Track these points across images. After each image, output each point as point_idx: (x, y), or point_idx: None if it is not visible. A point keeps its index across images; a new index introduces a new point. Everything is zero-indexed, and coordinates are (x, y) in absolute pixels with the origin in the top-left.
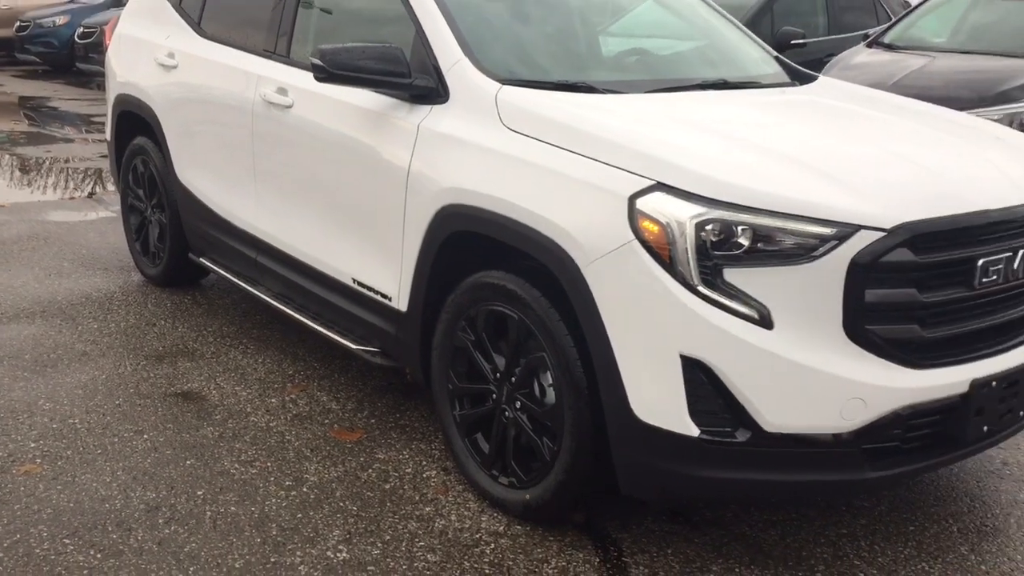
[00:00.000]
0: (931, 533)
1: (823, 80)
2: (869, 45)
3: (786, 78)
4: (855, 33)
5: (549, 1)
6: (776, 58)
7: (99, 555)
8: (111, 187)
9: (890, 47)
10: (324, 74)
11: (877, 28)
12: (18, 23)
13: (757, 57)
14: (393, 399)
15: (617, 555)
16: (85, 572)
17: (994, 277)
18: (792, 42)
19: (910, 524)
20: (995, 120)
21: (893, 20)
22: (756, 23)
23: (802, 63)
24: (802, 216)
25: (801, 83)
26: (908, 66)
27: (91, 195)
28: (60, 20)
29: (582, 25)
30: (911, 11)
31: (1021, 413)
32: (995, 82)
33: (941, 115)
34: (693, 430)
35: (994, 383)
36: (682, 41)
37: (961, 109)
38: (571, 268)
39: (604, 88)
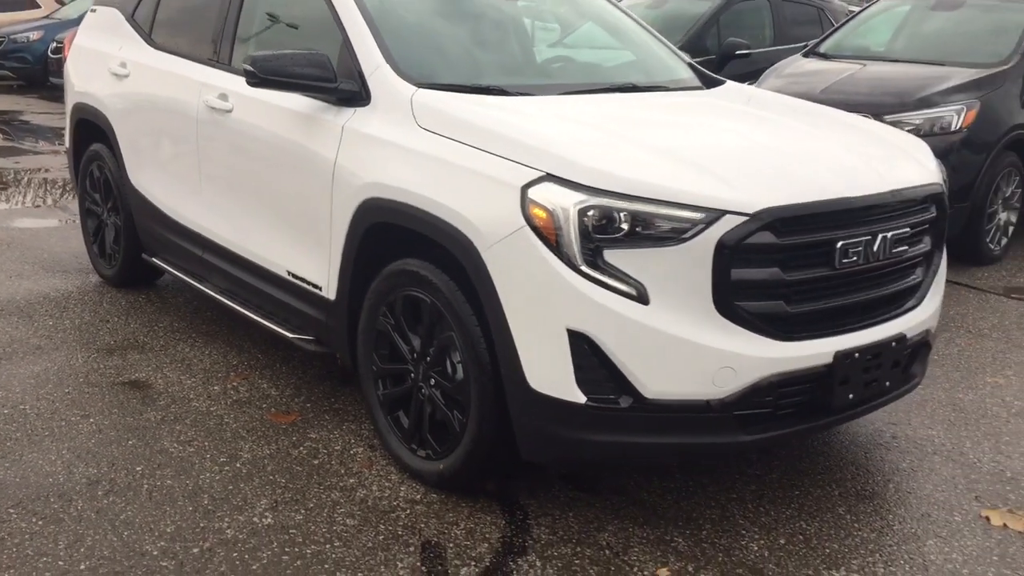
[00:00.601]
0: (813, 497)
1: (729, 85)
2: (806, 55)
3: (696, 83)
4: (799, 44)
5: (470, 11)
6: (690, 65)
7: (40, 522)
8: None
9: (825, 56)
10: (255, 79)
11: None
12: None
13: (672, 65)
14: (330, 386)
15: (523, 518)
16: (27, 537)
17: (854, 258)
18: (737, 52)
19: (795, 489)
20: (916, 123)
21: (830, 30)
22: (703, 34)
23: (748, 73)
24: (673, 202)
25: (708, 87)
26: (839, 74)
27: (57, 204)
28: (34, 35)
29: (503, 33)
30: (845, 23)
31: (887, 383)
32: (918, 88)
33: (826, 114)
34: (580, 398)
35: (857, 355)
36: (609, 51)
37: (884, 113)
38: (473, 253)
39: (516, 91)
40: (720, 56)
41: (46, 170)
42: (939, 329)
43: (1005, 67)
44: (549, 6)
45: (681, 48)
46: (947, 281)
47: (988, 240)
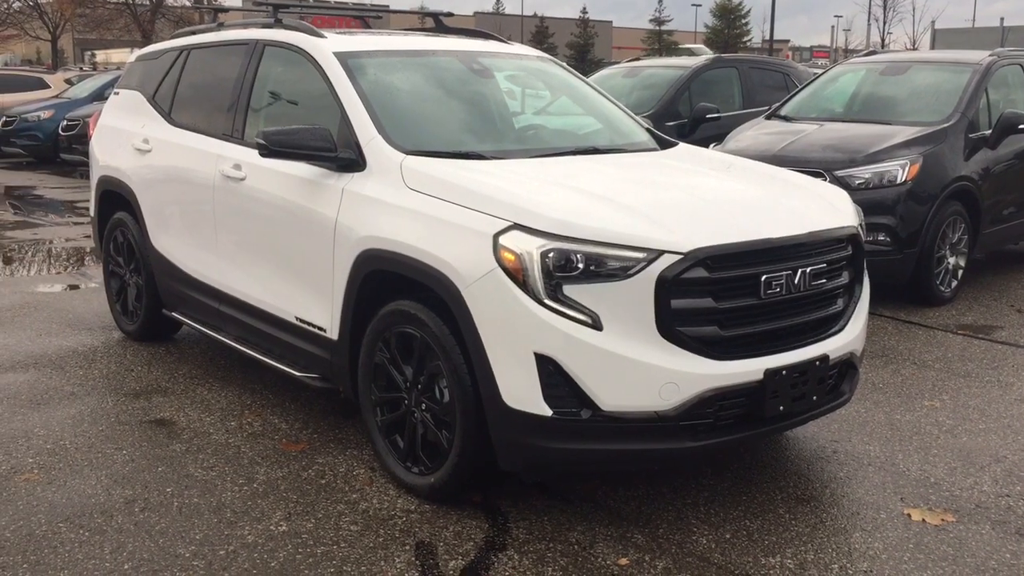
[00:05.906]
0: (759, 501)
1: (681, 146)
2: (768, 117)
3: (652, 145)
4: (766, 108)
5: (452, 87)
6: (648, 130)
7: (87, 533)
8: (92, 262)
9: (786, 118)
10: (266, 151)
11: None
12: (4, 118)
13: (631, 130)
14: (334, 419)
15: (503, 522)
16: (76, 545)
17: (777, 289)
18: (708, 116)
19: (743, 495)
20: (865, 177)
21: (791, 94)
22: (676, 100)
23: (718, 135)
24: (619, 244)
25: (663, 148)
26: (796, 134)
27: (76, 270)
28: (45, 114)
29: (482, 105)
30: (804, 87)
31: (814, 398)
32: (867, 145)
33: (758, 169)
34: (547, 411)
35: (785, 372)
36: (576, 118)
37: (835, 169)
38: (454, 292)
39: (491, 155)
40: (692, 120)
41: (63, 240)
42: (886, 361)
43: (946, 124)
44: (527, 83)
45: (655, 113)
46: (899, 320)
47: (938, 283)
